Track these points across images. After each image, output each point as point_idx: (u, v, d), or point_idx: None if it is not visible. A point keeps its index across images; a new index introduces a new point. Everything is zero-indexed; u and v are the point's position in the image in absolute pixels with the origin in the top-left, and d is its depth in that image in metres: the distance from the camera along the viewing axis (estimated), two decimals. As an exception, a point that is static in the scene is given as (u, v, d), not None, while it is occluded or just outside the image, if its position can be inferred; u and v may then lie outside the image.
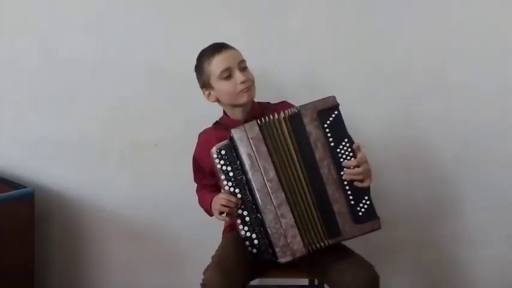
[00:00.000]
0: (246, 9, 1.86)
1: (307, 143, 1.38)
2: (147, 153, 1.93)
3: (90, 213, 1.97)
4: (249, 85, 1.50)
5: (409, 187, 1.91)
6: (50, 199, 1.96)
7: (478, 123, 1.87)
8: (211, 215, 1.59)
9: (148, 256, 1.99)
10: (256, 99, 1.57)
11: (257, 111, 1.53)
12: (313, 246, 1.38)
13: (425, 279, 1.98)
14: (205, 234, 1.76)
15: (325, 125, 1.38)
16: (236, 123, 1.49)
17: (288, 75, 1.84)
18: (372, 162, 1.43)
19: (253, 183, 1.38)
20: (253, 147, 1.38)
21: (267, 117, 1.40)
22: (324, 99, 1.39)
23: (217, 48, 1.52)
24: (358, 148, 1.40)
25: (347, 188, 1.38)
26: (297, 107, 1.40)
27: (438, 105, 1.87)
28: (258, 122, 1.39)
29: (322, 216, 1.38)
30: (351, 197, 1.38)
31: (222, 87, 1.51)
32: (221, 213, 1.43)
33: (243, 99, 1.51)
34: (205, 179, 1.63)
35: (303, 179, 1.39)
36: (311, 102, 1.39)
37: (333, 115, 1.38)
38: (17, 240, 1.78)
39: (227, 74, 1.49)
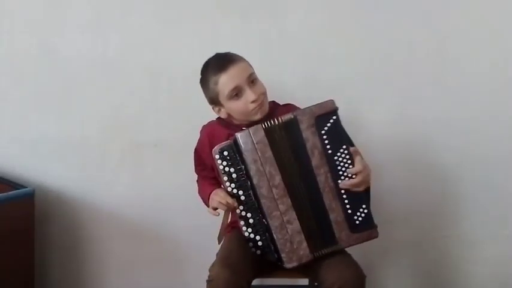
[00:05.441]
0: (246, 9, 1.86)
1: (303, 150, 1.34)
2: (147, 153, 1.93)
3: (90, 213, 1.97)
4: (261, 101, 1.45)
5: (409, 187, 1.91)
6: (50, 199, 1.96)
7: (478, 123, 1.87)
8: (208, 206, 1.60)
9: (148, 256, 1.99)
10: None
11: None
12: (318, 253, 1.37)
13: (426, 280, 1.98)
14: (205, 235, 1.75)
15: (323, 132, 1.34)
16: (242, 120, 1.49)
17: (287, 76, 1.84)
18: (371, 163, 1.42)
19: (258, 189, 1.35)
20: (258, 152, 1.34)
21: (272, 121, 1.36)
22: (321, 103, 1.34)
23: (223, 64, 1.43)
24: (356, 152, 1.37)
25: (344, 196, 1.35)
26: (293, 113, 1.35)
27: (438, 106, 1.87)
28: (263, 126, 1.35)
29: (318, 225, 1.36)
30: (348, 206, 1.35)
31: (232, 106, 1.46)
32: (215, 208, 1.43)
33: (257, 116, 1.46)
34: (206, 171, 1.63)
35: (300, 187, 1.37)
36: (309, 107, 1.35)
37: (331, 121, 1.34)
38: (17, 240, 1.78)
39: (236, 93, 1.43)
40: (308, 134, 1.34)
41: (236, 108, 1.46)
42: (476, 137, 1.87)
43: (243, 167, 1.36)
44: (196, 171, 1.68)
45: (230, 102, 1.45)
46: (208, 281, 1.31)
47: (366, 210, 1.36)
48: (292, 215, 1.35)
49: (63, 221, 1.99)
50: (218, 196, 1.43)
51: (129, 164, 1.95)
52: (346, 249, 1.42)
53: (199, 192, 1.66)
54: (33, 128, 1.95)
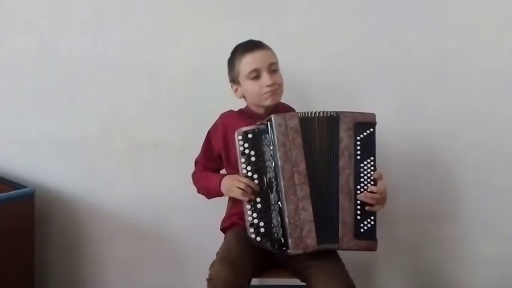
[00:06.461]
0: (246, 9, 1.86)
1: (335, 147, 1.40)
2: (147, 153, 1.93)
3: (90, 213, 1.97)
4: (275, 89, 1.52)
5: (409, 187, 1.91)
6: (50, 199, 1.96)
7: (479, 122, 1.87)
8: (210, 196, 1.60)
9: (148, 256, 1.99)
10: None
11: (281, 111, 1.52)
12: (324, 245, 1.38)
13: (426, 280, 1.98)
14: (205, 234, 1.76)
15: (358, 138, 1.40)
16: (261, 115, 1.53)
17: (288, 76, 1.84)
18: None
19: (282, 171, 1.37)
20: (289, 136, 1.38)
21: (308, 112, 1.41)
22: (364, 113, 1.42)
23: (251, 47, 1.54)
24: (380, 176, 1.42)
25: (358, 202, 1.40)
26: (336, 111, 1.41)
27: (438, 105, 1.87)
28: (299, 115, 1.40)
29: (327, 220, 1.39)
30: (358, 212, 1.40)
31: (248, 86, 1.54)
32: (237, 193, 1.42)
33: (267, 102, 1.54)
34: (210, 161, 1.64)
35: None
36: (351, 111, 1.41)
37: (368, 131, 1.41)
38: (17, 240, 1.78)
39: (255, 75, 1.52)
40: (344, 135, 1.40)
41: (251, 89, 1.53)
42: (476, 137, 1.87)
43: (271, 147, 1.39)
44: (200, 158, 1.67)
45: (247, 82, 1.53)
46: (208, 280, 1.33)
47: (372, 222, 1.41)
48: (308, 203, 1.38)
49: (63, 221, 1.99)
50: (237, 182, 1.41)
51: (129, 164, 1.95)
52: (344, 253, 1.44)
53: (200, 181, 1.64)
54: (33, 128, 1.95)
